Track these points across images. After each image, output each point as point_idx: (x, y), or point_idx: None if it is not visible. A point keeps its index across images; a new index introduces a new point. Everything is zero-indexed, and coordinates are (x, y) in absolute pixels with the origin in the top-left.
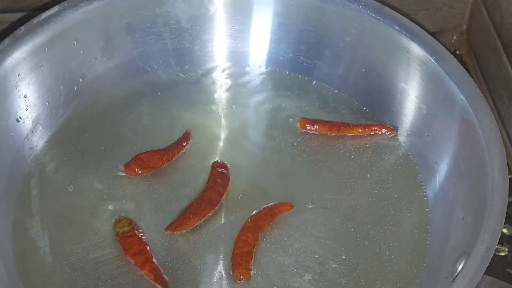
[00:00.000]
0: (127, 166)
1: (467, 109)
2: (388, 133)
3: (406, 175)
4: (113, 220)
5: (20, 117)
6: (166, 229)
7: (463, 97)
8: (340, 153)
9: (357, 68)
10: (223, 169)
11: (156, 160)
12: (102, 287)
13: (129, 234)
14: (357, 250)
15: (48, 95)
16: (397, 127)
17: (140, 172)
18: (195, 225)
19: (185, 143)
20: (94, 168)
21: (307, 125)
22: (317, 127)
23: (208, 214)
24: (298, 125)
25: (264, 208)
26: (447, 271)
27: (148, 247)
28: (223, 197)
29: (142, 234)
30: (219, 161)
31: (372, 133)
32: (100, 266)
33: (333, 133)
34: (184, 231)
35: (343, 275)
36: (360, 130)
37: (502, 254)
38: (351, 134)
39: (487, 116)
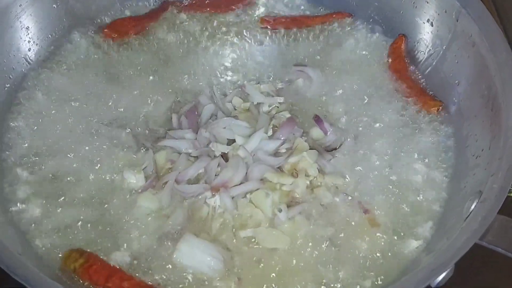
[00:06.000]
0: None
1: (483, 44)
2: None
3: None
4: (56, 252)
5: (22, 50)
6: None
7: (479, 30)
8: None
9: (371, 2)
10: None
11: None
12: None
13: (88, 264)
14: None
15: (51, 27)
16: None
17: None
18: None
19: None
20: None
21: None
22: (278, 23)
23: None
24: (259, 23)
25: None
26: (462, 210)
27: (113, 265)
28: None
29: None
30: None
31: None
32: None
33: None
34: None
35: None
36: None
37: None
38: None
39: (503, 51)
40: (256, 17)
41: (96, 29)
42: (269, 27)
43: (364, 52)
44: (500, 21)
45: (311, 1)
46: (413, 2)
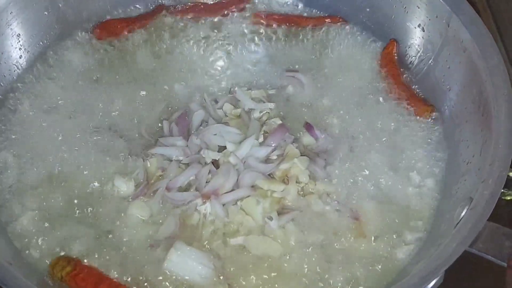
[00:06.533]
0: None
1: (475, 49)
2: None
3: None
4: (47, 262)
5: (13, 57)
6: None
7: (471, 36)
8: None
9: (363, 7)
10: None
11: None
12: None
13: (75, 272)
14: None
15: (42, 34)
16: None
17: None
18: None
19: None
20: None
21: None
22: (270, 19)
23: None
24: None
25: None
26: (452, 216)
27: (102, 271)
28: None
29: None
30: None
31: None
32: None
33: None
34: None
35: None
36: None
37: (508, 198)
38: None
39: (494, 56)
40: (249, 22)
41: (88, 36)
42: (261, 22)
43: (356, 57)
44: (495, 23)
45: (304, 4)
46: (404, 7)
